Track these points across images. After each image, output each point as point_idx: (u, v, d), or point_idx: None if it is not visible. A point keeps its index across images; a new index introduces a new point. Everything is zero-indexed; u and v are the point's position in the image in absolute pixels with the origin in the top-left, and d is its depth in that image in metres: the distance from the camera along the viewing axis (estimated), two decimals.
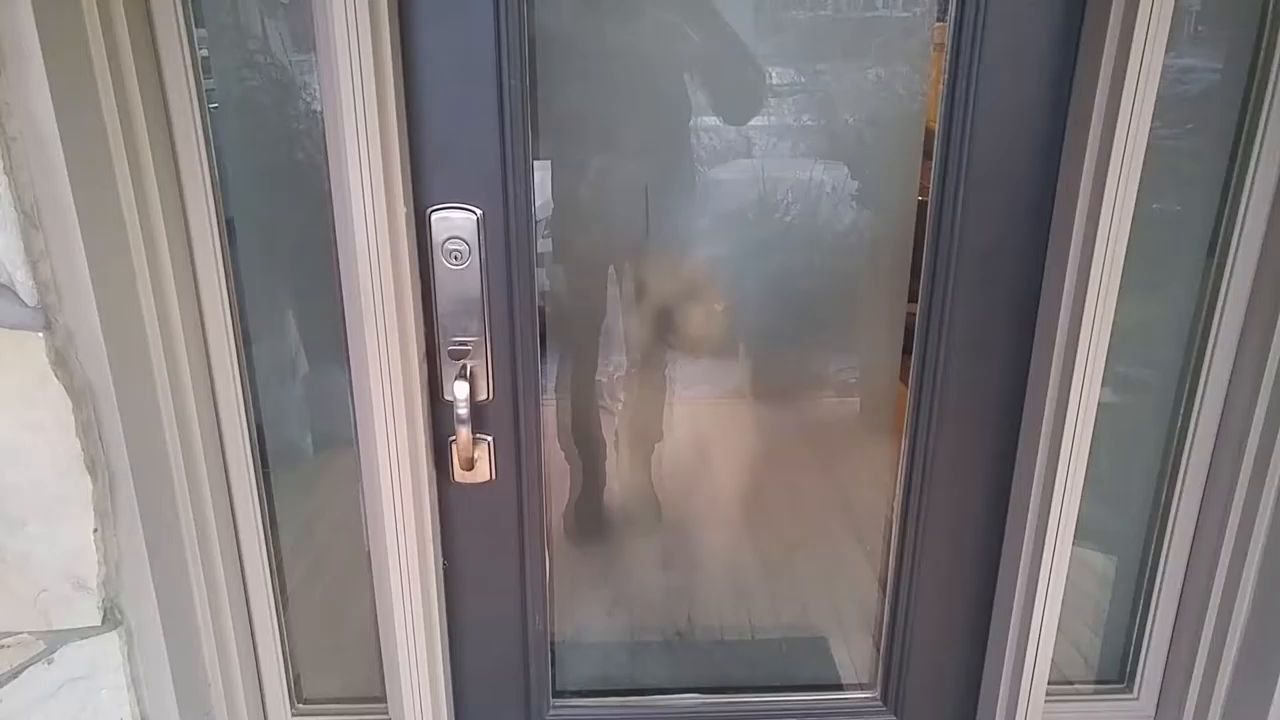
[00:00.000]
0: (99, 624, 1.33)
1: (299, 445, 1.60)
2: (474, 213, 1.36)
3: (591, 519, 1.72)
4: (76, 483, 1.26)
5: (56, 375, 1.21)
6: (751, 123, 1.46)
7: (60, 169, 1.16)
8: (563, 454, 1.66)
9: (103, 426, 1.27)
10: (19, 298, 1.18)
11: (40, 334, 1.20)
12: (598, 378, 1.61)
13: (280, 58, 1.39)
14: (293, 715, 1.71)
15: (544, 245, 1.48)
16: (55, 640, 1.34)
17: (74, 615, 1.33)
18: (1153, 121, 1.27)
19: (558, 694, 1.74)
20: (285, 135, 1.43)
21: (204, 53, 1.35)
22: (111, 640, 1.35)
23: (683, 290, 1.55)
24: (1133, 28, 1.22)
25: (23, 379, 1.21)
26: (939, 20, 1.37)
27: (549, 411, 1.58)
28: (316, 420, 1.60)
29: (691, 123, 1.45)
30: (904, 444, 1.56)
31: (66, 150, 1.16)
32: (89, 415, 1.25)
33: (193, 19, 1.31)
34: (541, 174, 1.42)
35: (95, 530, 1.29)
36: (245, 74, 1.39)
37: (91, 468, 1.26)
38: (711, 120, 1.45)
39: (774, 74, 1.42)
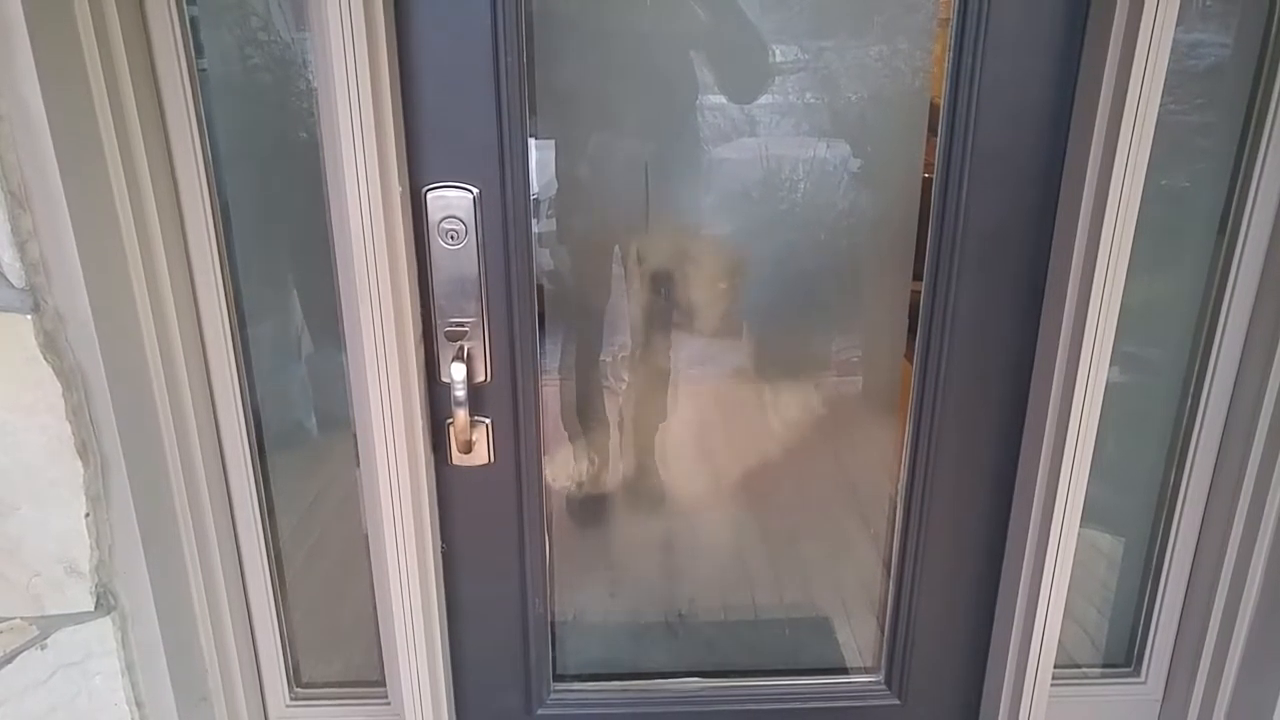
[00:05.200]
0: (92, 609, 1.32)
1: (295, 427, 1.59)
2: (470, 192, 1.34)
3: (594, 499, 1.70)
4: (68, 466, 1.25)
5: (46, 358, 1.20)
6: (756, 101, 1.43)
7: (48, 149, 1.14)
8: (566, 434, 1.65)
9: (94, 409, 1.26)
10: (7, 279, 1.17)
11: (29, 316, 1.18)
12: (602, 357, 1.59)
13: (280, 34, 1.36)
14: (291, 699, 1.70)
15: (548, 225, 1.47)
16: (48, 625, 1.33)
17: (67, 600, 1.32)
18: (1161, 97, 1.25)
19: (558, 678, 1.73)
20: (279, 112, 1.41)
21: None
22: (105, 625, 1.34)
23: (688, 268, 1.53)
24: (1143, 1, 1.19)
25: (11, 362, 1.19)
26: None
27: (550, 392, 1.56)
28: (313, 402, 1.58)
29: (698, 101, 1.43)
30: (908, 424, 1.54)
31: (54, 130, 1.14)
32: (79, 398, 1.24)
33: None
34: (545, 153, 1.41)
35: (87, 514, 1.27)
36: (241, 51, 1.37)
37: (83, 451, 1.25)
38: (716, 99, 1.43)
39: (778, 51, 1.40)
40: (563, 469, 1.66)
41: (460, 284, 1.38)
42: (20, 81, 1.11)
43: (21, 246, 1.16)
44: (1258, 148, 1.41)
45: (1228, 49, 1.41)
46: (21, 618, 1.33)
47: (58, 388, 1.21)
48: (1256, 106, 1.41)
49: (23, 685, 1.36)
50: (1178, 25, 1.22)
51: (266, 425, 1.55)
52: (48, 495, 1.26)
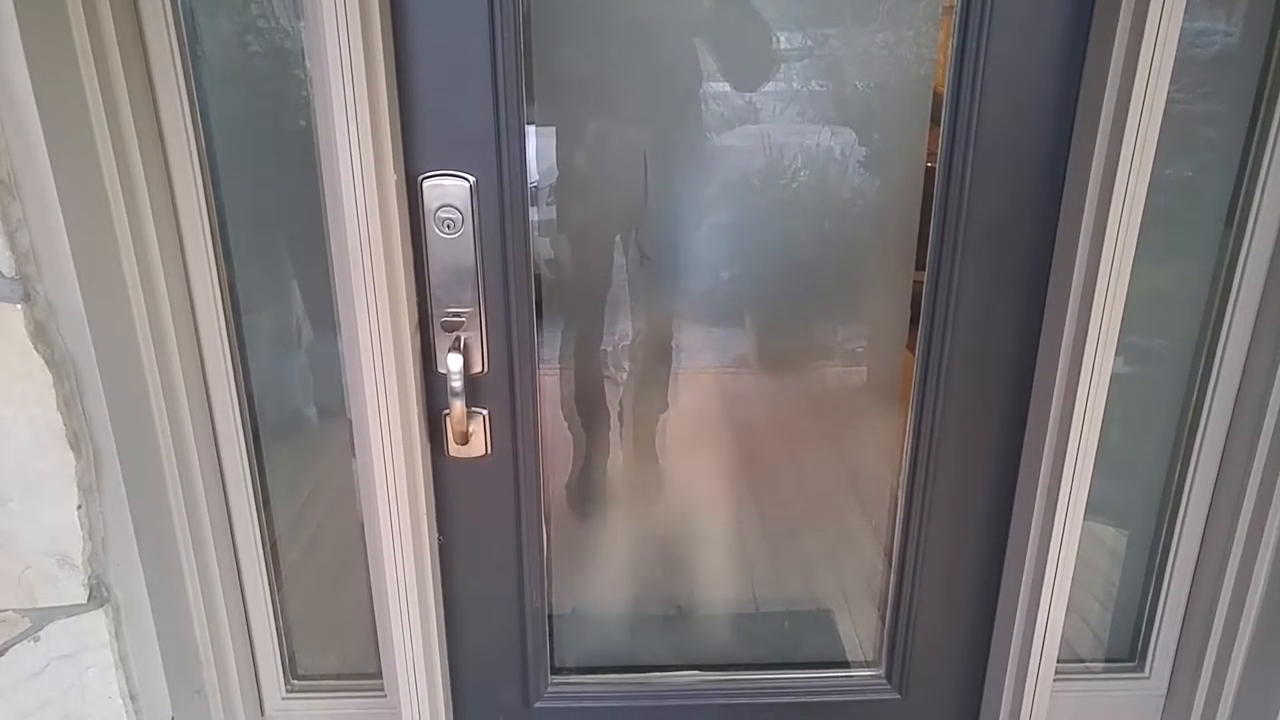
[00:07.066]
0: (85, 601, 1.31)
1: (292, 416, 1.57)
2: (467, 180, 1.33)
3: (594, 491, 1.69)
4: (59, 458, 1.23)
5: (36, 348, 1.18)
6: (761, 89, 1.42)
7: (37, 134, 1.13)
8: (565, 425, 1.64)
9: (86, 400, 1.25)
10: None
11: (19, 306, 1.17)
12: (603, 347, 1.58)
13: (279, 21, 1.35)
14: (287, 691, 1.70)
15: (548, 213, 1.45)
16: (41, 618, 1.32)
17: (59, 592, 1.30)
18: (1168, 86, 1.23)
19: (556, 671, 1.72)
20: (277, 99, 1.39)
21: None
22: (98, 618, 1.33)
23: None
24: None
25: (1, 352, 1.18)
26: None
27: (550, 382, 1.55)
28: (310, 391, 1.57)
29: (702, 89, 1.41)
30: (910, 415, 1.53)
31: (43, 115, 1.13)
32: (71, 388, 1.23)
33: None
34: (546, 141, 1.40)
35: (79, 506, 1.26)
36: (240, 38, 1.35)
37: (74, 442, 1.24)
38: (719, 86, 1.41)
39: (782, 38, 1.38)
40: (563, 458, 1.64)
41: (457, 273, 1.36)
42: (7, 65, 1.09)
43: (11, 235, 1.15)
44: (1266, 137, 1.40)
45: (1232, 37, 1.39)
46: (14, 610, 1.31)
47: (49, 378, 1.20)
48: (1265, 95, 1.40)
49: (15, 678, 1.35)
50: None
51: (262, 414, 1.54)
52: (39, 487, 1.25)
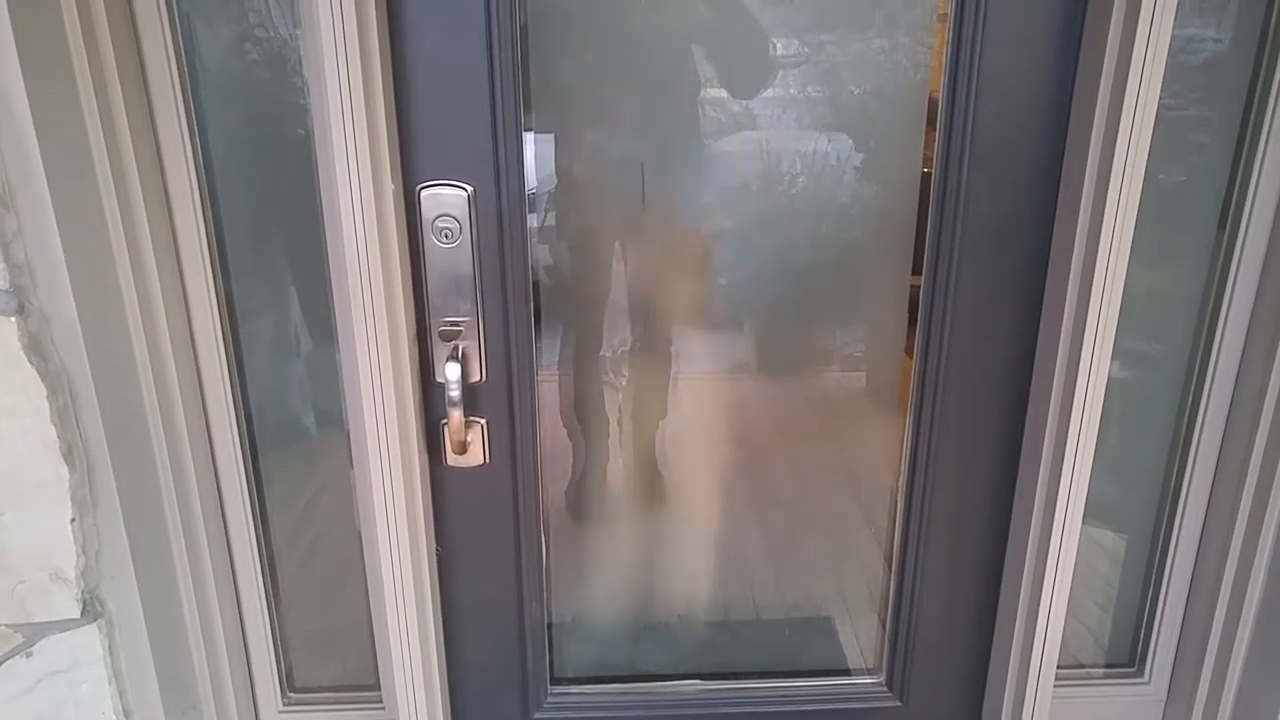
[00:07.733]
0: (78, 616, 1.30)
1: (290, 426, 1.56)
2: (465, 189, 1.33)
3: (594, 498, 1.69)
4: (53, 471, 1.22)
5: (30, 360, 1.17)
6: (759, 96, 1.42)
7: (33, 147, 1.12)
8: (565, 431, 1.63)
9: (80, 413, 1.23)
10: None
11: (13, 318, 1.16)
12: (602, 353, 1.58)
13: (277, 30, 1.34)
14: (284, 705, 1.68)
15: (548, 219, 1.46)
16: (34, 633, 1.31)
17: (52, 607, 1.29)
18: (1160, 91, 1.24)
19: (555, 681, 1.71)
20: (275, 108, 1.39)
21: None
22: (91, 633, 1.32)
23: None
24: None
25: None
26: None
27: (548, 389, 1.55)
28: (308, 401, 1.56)
29: (700, 95, 1.42)
30: (909, 419, 1.53)
31: (39, 128, 1.12)
32: (65, 401, 1.22)
33: None
34: (545, 148, 1.40)
35: (73, 520, 1.25)
36: (238, 46, 1.34)
37: (68, 455, 1.22)
38: (716, 93, 1.42)
39: (779, 45, 1.39)
40: (562, 465, 1.63)
41: (455, 283, 1.36)
42: (3, 76, 1.09)
43: (6, 247, 1.14)
44: (1257, 142, 1.40)
45: (1222, 43, 1.40)
46: (6, 625, 1.30)
47: (43, 391, 1.19)
48: (1255, 100, 1.41)
49: (8, 694, 1.33)
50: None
51: (260, 425, 1.53)
52: (33, 500, 1.24)
